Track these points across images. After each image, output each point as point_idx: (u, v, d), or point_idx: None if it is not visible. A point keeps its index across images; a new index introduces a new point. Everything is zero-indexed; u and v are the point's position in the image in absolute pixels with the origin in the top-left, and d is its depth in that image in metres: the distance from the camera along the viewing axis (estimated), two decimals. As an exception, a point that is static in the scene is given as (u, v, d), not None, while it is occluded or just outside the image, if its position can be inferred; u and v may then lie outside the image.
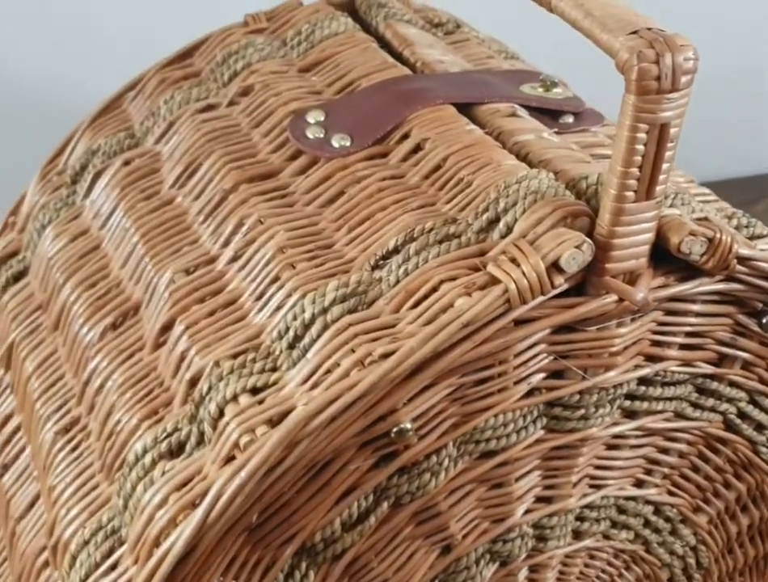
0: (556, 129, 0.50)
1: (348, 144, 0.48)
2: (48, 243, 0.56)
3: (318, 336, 0.40)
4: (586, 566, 0.51)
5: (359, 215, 0.45)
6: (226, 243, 0.47)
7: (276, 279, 0.43)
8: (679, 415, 0.47)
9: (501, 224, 0.41)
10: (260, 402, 0.39)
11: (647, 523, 0.51)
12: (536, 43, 0.71)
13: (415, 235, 0.42)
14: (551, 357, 0.42)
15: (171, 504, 0.38)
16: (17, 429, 0.52)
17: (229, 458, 0.38)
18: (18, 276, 0.58)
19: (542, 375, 0.42)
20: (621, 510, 0.49)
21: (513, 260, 0.38)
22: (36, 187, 0.61)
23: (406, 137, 0.48)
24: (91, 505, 0.42)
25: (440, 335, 0.37)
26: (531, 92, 0.53)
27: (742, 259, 0.42)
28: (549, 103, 0.52)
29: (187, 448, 0.40)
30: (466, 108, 0.50)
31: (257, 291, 0.44)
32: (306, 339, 0.40)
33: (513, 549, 0.47)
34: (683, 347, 0.45)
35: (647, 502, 0.50)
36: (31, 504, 0.48)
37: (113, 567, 0.39)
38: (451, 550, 0.46)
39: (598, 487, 0.48)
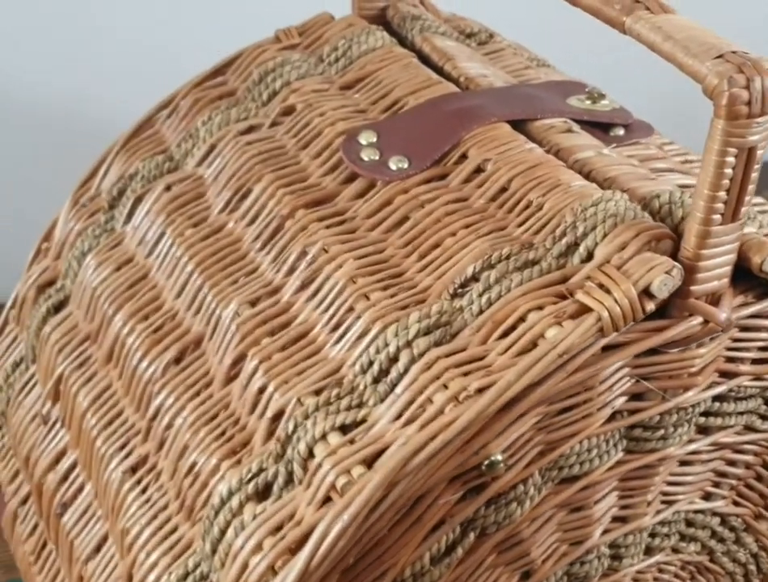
0: (610, 143, 0.50)
1: (405, 166, 0.48)
2: (90, 272, 0.55)
3: (406, 370, 0.39)
4: (655, 579, 0.51)
5: (428, 241, 0.44)
6: (290, 272, 0.46)
7: (350, 309, 0.43)
8: (749, 428, 0.47)
9: (581, 248, 0.40)
10: (352, 441, 0.38)
11: (713, 534, 0.51)
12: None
13: (492, 262, 0.41)
14: (633, 380, 0.42)
15: (268, 550, 0.37)
16: (73, 466, 0.51)
17: (326, 500, 0.37)
18: (58, 306, 0.57)
19: (624, 398, 0.42)
20: (689, 523, 0.49)
21: (603, 287, 0.38)
22: (70, 213, 0.60)
23: (464, 157, 0.48)
24: (173, 549, 0.42)
25: (536, 367, 0.37)
26: (579, 105, 0.52)
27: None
28: (599, 116, 0.51)
29: (275, 488, 0.39)
30: (519, 125, 0.49)
31: (331, 323, 0.43)
32: (393, 374, 0.39)
33: (590, 570, 0.47)
34: (755, 361, 0.45)
35: (714, 513, 0.50)
36: (99, 546, 0.47)
37: (206, 613, 0.39)
38: (531, 576, 0.45)
39: (670, 503, 0.48)
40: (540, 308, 0.39)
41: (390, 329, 0.40)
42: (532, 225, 0.43)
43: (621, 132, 0.51)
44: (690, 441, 0.45)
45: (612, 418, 0.42)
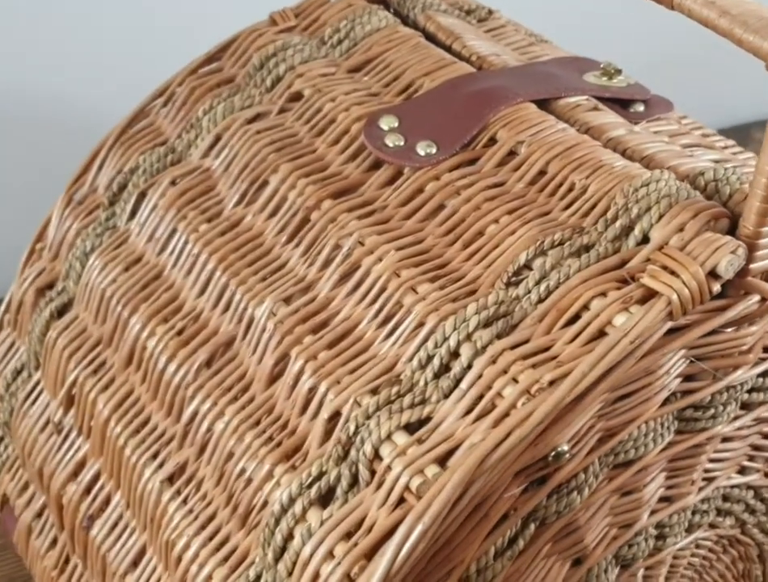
0: (632, 120, 0.49)
1: (434, 151, 0.46)
2: (96, 273, 0.52)
3: (470, 364, 0.38)
4: (692, 555, 0.51)
5: (470, 229, 0.43)
6: (324, 266, 0.45)
7: (398, 303, 0.41)
8: (786, 401, 0.47)
9: (636, 231, 0.40)
10: (420, 440, 0.37)
11: (746, 507, 0.51)
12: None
13: (545, 248, 0.40)
14: (688, 361, 0.41)
15: (341, 557, 0.36)
16: (96, 476, 0.49)
17: (399, 502, 0.36)
18: (62, 310, 0.54)
19: (678, 380, 0.42)
20: (725, 498, 0.49)
21: (669, 270, 0.37)
22: (64, 212, 0.57)
23: (493, 139, 0.47)
24: (229, 560, 0.40)
25: (609, 355, 0.36)
26: (596, 81, 0.51)
27: None
28: (618, 93, 0.51)
29: (338, 492, 0.38)
30: (543, 104, 0.49)
31: (378, 318, 0.42)
32: (456, 368, 0.38)
33: (638, 552, 0.46)
34: (796, 335, 0.45)
35: (749, 487, 0.50)
36: (137, 560, 0.45)
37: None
38: (582, 562, 0.45)
39: (711, 480, 0.48)
40: (603, 294, 0.38)
41: (447, 322, 0.39)
42: (578, 208, 0.42)
43: (641, 108, 0.50)
44: (735, 418, 0.45)
45: (667, 400, 0.42)
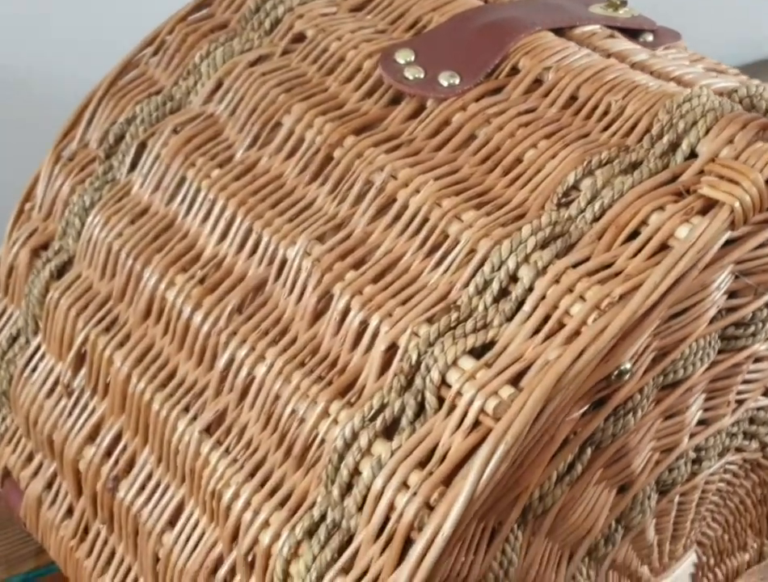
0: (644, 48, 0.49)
1: (457, 81, 0.45)
2: (99, 229, 0.50)
3: (532, 286, 0.37)
4: (720, 481, 0.51)
5: (508, 156, 0.42)
6: (357, 202, 0.43)
7: (443, 233, 0.40)
8: (810, 321, 0.48)
9: (683, 146, 0.39)
10: (488, 363, 0.36)
11: (769, 430, 0.51)
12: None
13: (593, 168, 0.40)
14: (734, 276, 0.41)
15: (417, 486, 0.35)
16: (118, 436, 0.46)
17: (475, 426, 0.35)
18: (61, 269, 0.52)
19: (725, 296, 0.42)
20: (752, 421, 0.50)
21: (728, 179, 0.37)
22: (54, 169, 0.54)
23: (515, 68, 0.46)
24: (286, 503, 0.39)
25: (677, 266, 0.36)
26: (603, 12, 0.51)
27: None
28: (627, 23, 0.50)
29: (404, 422, 0.37)
30: (558, 34, 0.48)
31: (424, 248, 0.41)
32: (518, 290, 0.37)
33: (677, 476, 0.46)
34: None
35: (773, 409, 0.50)
36: (175, 516, 0.43)
37: (350, 561, 0.36)
38: (627, 488, 0.44)
39: (741, 402, 0.48)
40: (661, 208, 0.38)
41: (503, 246, 0.38)
42: (618, 128, 0.41)
43: (650, 38, 0.50)
44: (769, 336, 0.46)
45: (714, 318, 0.42)
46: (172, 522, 0.43)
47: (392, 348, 0.39)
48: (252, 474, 0.40)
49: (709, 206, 0.37)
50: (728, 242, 0.38)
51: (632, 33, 0.50)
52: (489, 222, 0.40)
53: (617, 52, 0.46)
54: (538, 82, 0.45)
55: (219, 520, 0.41)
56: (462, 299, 0.38)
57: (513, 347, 0.36)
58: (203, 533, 0.42)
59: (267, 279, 0.44)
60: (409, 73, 0.46)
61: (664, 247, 0.37)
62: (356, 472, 0.37)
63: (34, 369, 0.52)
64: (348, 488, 0.37)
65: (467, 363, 0.36)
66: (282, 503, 0.39)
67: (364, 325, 0.40)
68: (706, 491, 0.50)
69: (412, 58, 0.47)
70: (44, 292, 0.51)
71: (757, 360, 0.47)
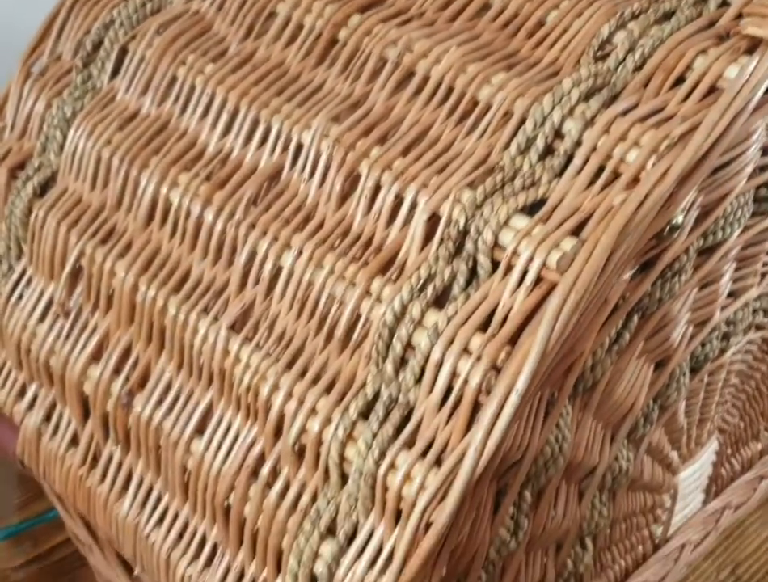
0: None
1: (465, -47, 0.43)
2: (85, 139, 0.47)
3: (580, 138, 0.36)
4: (741, 361, 0.50)
5: (530, 20, 0.40)
6: (372, 79, 0.41)
7: (472, 99, 0.38)
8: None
9: (716, -8, 0.38)
10: (543, 219, 0.34)
11: (785, 307, 0.51)
12: None
13: (626, 20, 0.38)
14: (766, 132, 0.40)
15: (480, 349, 0.33)
16: (127, 350, 0.44)
17: (537, 282, 0.33)
18: (45, 186, 0.48)
19: (760, 152, 0.41)
20: (770, 297, 0.49)
21: (770, 18, 0.36)
22: (24, 86, 0.51)
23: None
24: (335, 387, 0.36)
25: (733, 105, 0.34)
26: None
27: None
28: None
29: (455, 290, 0.35)
30: None
31: (453, 116, 0.39)
32: (565, 144, 0.36)
33: (709, 351, 0.45)
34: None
35: (789, 286, 0.50)
36: (204, 422, 0.40)
37: (413, 435, 0.34)
38: (664, 364, 0.43)
39: (765, 275, 0.47)
40: (704, 51, 0.36)
41: (545, 101, 0.36)
42: (644, -17, 0.40)
43: None
44: (793, 201, 0.45)
45: (751, 175, 0.41)
46: (200, 429, 0.41)
47: (433, 218, 0.37)
48: (290, 365, 0.38)
49: (754, 46, 0.36)
50: (769, 90, 0.37)
51: None
52: (522, 82, 0.38)
53: None
54: (546, -50, 0.43)
55: (258, 417, 0.38)
56: (503, 161, 0.37)
57: (568, 201, 0.35)
58: (237, 435, 0.39)
59: (283, 167, 0.41)
60: (411, -51, 0.44)
61: (713, 90, 0.35)
62: (409, 345, 0.35)
63: (21, 296, 0.48)
64: (402, 362, 0.35)
65: (520, 221, 0.35)
66: (328, 389, 0.37)
67: (399, 199, 0.37)
68: (729, 372, 0.50)
69: (409, -66, 0.45)
70: (27, 212, 0.48)
71: (781, 228, 0.46)
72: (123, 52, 0.48)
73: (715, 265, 0.42)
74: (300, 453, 0.37)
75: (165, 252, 0.43)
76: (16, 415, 0.49)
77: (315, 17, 0.44)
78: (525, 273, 0.34)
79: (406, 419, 0.35)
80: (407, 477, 0.33)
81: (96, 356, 0.45)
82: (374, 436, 0.34)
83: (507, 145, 0.37)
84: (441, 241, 0.36)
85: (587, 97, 0.36)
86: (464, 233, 0.35)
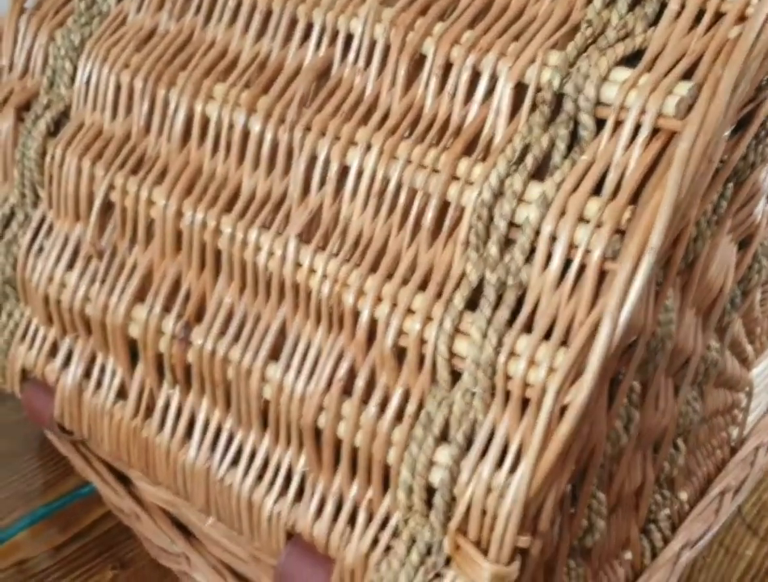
0: None
1: None
2: (99, 65, 0.43)
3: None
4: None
5: None
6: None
7: (540, -40, 0.36)
8: None
9: None
10: (648, 68, 0.32)
11: None
12: None
13: None
14: None
15: (599, 214, 0.30)
16: (176, 283, 0.40)
17: (654, 134, 0.31)
18: (57, 123, 0.44)
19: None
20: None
21: None
22: (19, 22, 0.47)
23: None
24: (427, 287, 0.33)
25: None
26: None
27: None
28: None
29: (555, 157, 0.32)
30: None
31: (520, -20, 0.36)
32: None
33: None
34: None
35: None
36: (279, 344, 0.37)
37: (530, 316, 0.31)
38: (748, 243, 0.41)
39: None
40: None
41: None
42: None
43: None
44: None
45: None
46: (274, 353, 0.37)
47: (519, 87, 0.33)
48: (374, 267, 0.35)
49: None
50: None
51: None
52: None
53: None
54: None
55: (344, 328, 0.35)
56: (589, 16, 0.34)
57: (672, 46, 0.32)
58: (320, 351, 0.36)
59: (332, 62, 0.38)
60: None
61: None
62: (512, 223, 0.32)
63: (42, 246, 0.44)
64: (507, 242, 0.32)
65: (622, 74, 0.32)
66: (422, 286, 0.33)
67: (475, 72, 0.34)
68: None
69: None
70: (41, 153, 0.44)
71: None
72: (129, -30, 0.44)
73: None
74: (400, 357, 0.34)
75: (208, 171, 0.39)
76: (50, 375, 0.45)
77: None
78: (637, 127, 0.31)
79: (520, 301, 0.31)
80: (532, 362, 0.30)
81: (140, 296, 0.41)
82: (489, 322, 0.31)
83: (589, 1, 0.34)
84: (534, 107, 0.33)
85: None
86: (560, 95, 0.32)
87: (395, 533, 0.34)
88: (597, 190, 0.31)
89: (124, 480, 0.51)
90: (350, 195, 0.36)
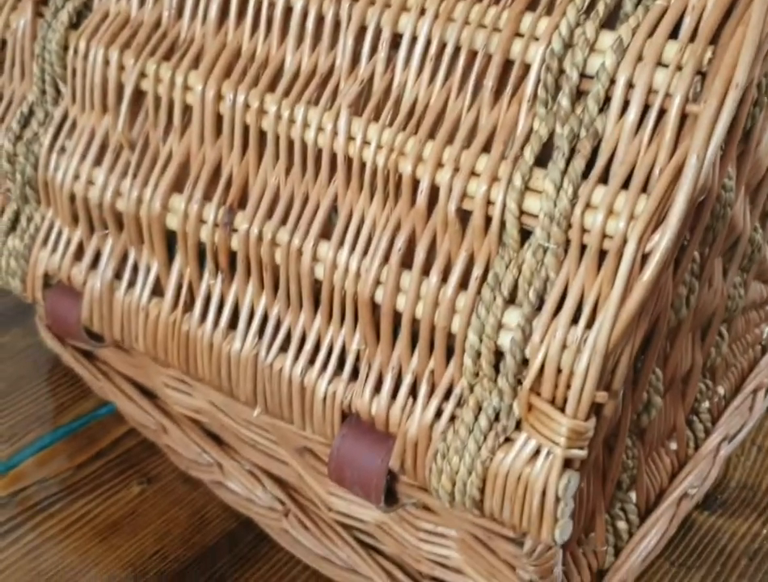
0: None
1: None
2: (123, -49, 0.41)
3: None
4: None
5: None
6: None
7: None
8: None
9: None
10: None
11: None
12: None
13: None
14: None
15: (679, 55, 0.30)
16: (216, 169, 0.39)
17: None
18: (79, 14, 0.43)
19: None
20: None
21: None
22: None
23: None
24: (493, 143, 0.32)
25: None
26: None
27: None
28: None
29: (627, 5, 0.31)
30: None
31: None
32: None
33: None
34: None
35: None
36: (328, 220, 0.36)
37: (607, 167, 0.30)
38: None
39: None
40: None
41: None
42: None
43: None
44: None
45: None
46: (325, 232, 0.36)
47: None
48: (432, 133, 0.34)
49: None
50: None
51: None
52: None
53: None
54: None
55: (401, 197, 0.34)
56: None
57: None
58: (375, 223, 0.35)
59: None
60: None
61: None
62: (583, 74, 0.31)
63: (64, 146, 0.43)
64: (578, 94, 0.31)
65: None
66: (486, 147, 0.33)
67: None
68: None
69: None
70: (63, 46, 0.42)
71: None
72: None
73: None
74: (463, 220, 0.33)
75: (248, 51, 0.38)
76: (76, 277, 0.43)
77: None
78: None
79: (595, 153, 0.31)
80: (610, 211, 0.30)
81: (177, 186, 0.40)
82: (563, 174, 0.30)
83: None
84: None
85: None
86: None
87: (460, 403, 0.33)
88: (673, 34, 0.30)
89: (148, 396, 0.50)
90: (403, 62, 0.35)
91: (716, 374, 0.45)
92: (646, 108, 0.30)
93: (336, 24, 0.36)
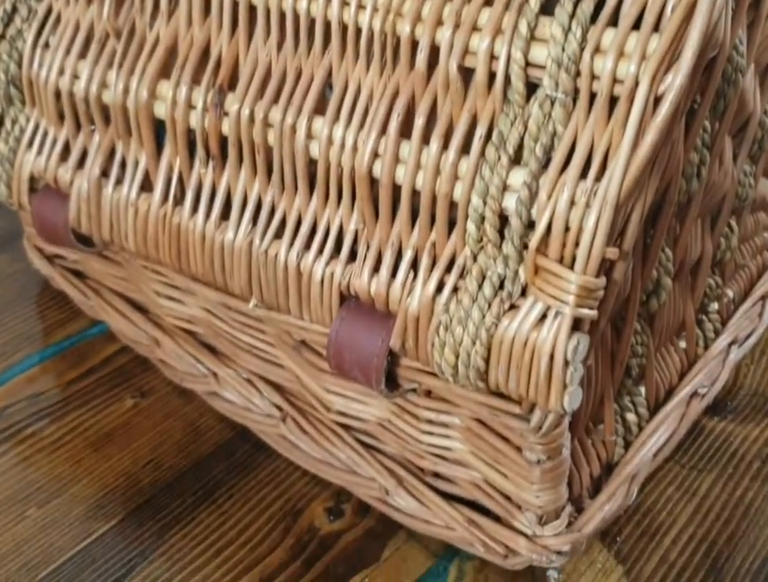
0: None
1: None
2: None
3: None
4: None
5: None
6: None
7: None
8: None
9: None
10: None
11: None
12: None
13: None
14: None
15: None
16: (205, 50, 0.37)
17: None
18: None
19: None
20: None
21: None
22: None
23: None
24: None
25: None
26: None
27: None
28: None
29: None
30: None
31: None
32: None
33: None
34: None
35: None
36: (321, 97, 0.34)
37: (617, 8, 0.29)
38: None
39: None
40: None
41: None
42: None
43: None
44: None
45: None
46: (319, 107, 0.35)
47: None
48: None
49: None
50: None
51: None
52: None
53: None
54: None
55: (399, 61, 0.32)
56: None
57: None
58: (371, 93, 0.33)
59: None
60: None
61: None
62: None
63: (47, 42, 0.41)
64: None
65: None
66: (487, 2, 0.31)
67: None
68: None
69: None
70: (46, -64, 0.41)
71: None
72: None
73: None
74: (465, 82, 0.31)
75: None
76: (62, 178, 0.42)
77: None
78: None
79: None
80: (621, 54, 0.28)
81: (164, 72, 0.38)
82: (571, 16, 0.29)
83: None
84: None
85: None
86: None
87: (463, 274, 0.32)
88: None
89: (140, 310, 0.49)
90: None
91: (725, 272, 0.43)
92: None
93: None
